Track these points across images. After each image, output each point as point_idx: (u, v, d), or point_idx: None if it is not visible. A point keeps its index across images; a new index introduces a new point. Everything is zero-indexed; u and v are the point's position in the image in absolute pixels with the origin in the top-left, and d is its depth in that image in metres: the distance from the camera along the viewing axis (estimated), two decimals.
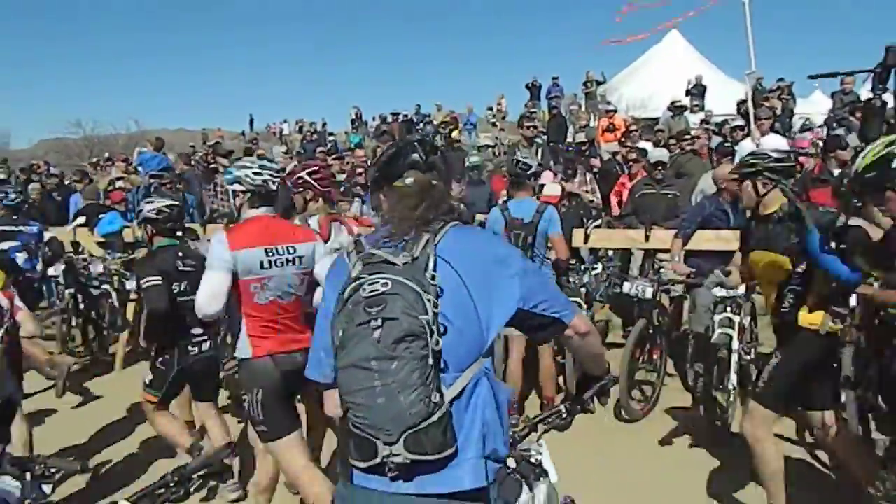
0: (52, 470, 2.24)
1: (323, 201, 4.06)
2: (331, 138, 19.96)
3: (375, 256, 1.62)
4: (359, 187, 7.29)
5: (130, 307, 6.65)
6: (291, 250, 3.25)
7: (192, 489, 1.97)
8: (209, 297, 3.13)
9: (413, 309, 1.49)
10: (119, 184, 8.73)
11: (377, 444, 1.49)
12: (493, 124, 22.03)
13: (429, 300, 1.51)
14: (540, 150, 8.55)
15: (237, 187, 3.38)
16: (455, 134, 15.61)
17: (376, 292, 1.52)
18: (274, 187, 3.38)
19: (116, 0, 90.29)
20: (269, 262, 3.17)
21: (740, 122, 9.10)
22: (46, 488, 2.22)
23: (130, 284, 6.15)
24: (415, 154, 1.81)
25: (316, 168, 4.19)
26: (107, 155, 20.94)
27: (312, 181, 3.99)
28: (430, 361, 1.48)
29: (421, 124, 20.35)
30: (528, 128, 8.68)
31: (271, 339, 3.18)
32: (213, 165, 8.73)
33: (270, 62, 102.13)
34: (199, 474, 1.96)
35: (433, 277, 1.56)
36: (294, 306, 3.28)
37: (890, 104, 4.68)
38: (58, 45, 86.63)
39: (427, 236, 1.65)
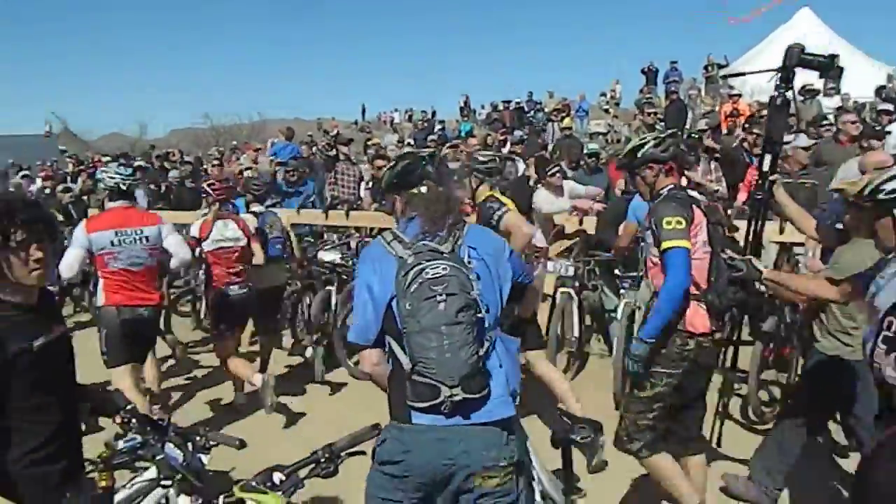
0: (212, 442, 2.42)
1: (219, 205, 5.44)
2: (440, 127, 20.12)
3: (425, 247, 2.11)
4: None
5: None
6: (139, 232, 4.46)
7: (340, 465, 2.06)
8: (65, 266, 4.35)
9: (465, 287, 2.01)
10: (247, 173, 9.20)
11: (441, 388, 1.97)
12: (606, 111, 21.48)
13: (472, 280, 2.04)
14: None
15: (100, 185, 4.68)
16: (567, 121, 15.32)
17: (438, 275, 2.01)
18: (125, 187, 4.54)
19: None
20: (119, 240, 4.38)
21: (887, 105, 8.32)
22: (204, 458, 2.39)
23: None
24: (428, 167, 2.38)
25: (213, 182, 5.78)
26: (234, 143, 22.21)
27: (210, 190, 5.51)
28: (477, 326, 2.01)
29: (532, 112, 20.13)
30: (649, 114, 8.37)
31: (120, 294, 4.43)
32: (333, 154, 8.99)
33: (382, 53, 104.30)
34: (347, 452, 2.05)
35: (469, 263, 2.10)
36: (143, 272, 4.49)
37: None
38: (188, 40, 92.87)
39: (458, 233, 2.18)
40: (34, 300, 2.18)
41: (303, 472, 2.02)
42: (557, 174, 6.63)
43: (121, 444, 2.12)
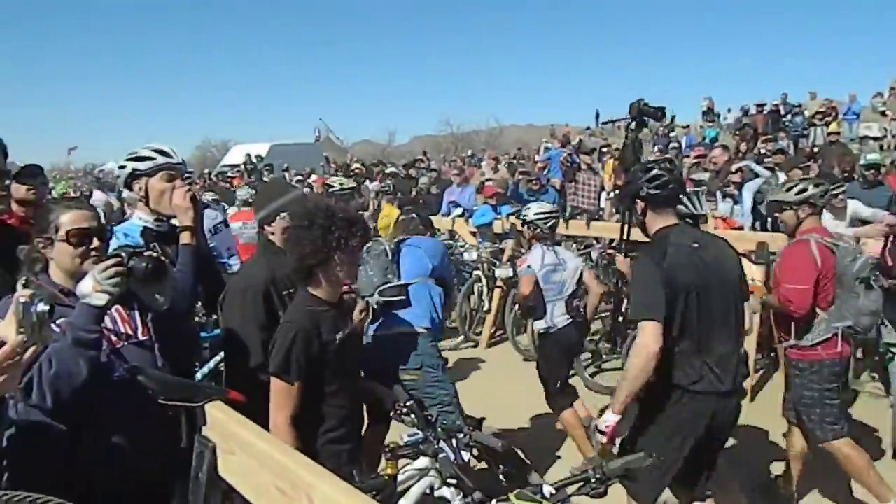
0: (475, 442, 2.55)
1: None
2: (682, 133, 19.08)
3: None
4: (732, 186, 6.82)
5: (496, 293, 7.30)
6: None
7: (608, 487, 2.05)
8: None
9: None
10: (489, 183, 9.54)
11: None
12: (883, 113, 18.72)
13: None
14: None
15: None
16: (833, 126, 13.63)
17: None
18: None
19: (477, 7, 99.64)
20: None
21: None
22: (466, 455, 2.52)
23: (499, 272, 6.74)
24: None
25: None
26: (470, 151, 23.31)
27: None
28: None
29: (789, 115, 18.23)
30: None
31: None
32: (576, 164, 8.98)
33: (616, 56, 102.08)
34: (618, 476, 2.03)
35: None
36: None
37: None
38: (431, 47, 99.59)
39: None
40: (336, 299, 2.51)
41: (571, 489, 2.03)
42: (841, 195, 5.75)
43: (406, 438, 2.33)
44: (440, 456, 2.29)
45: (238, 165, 17.81)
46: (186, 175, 2.87)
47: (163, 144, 2.67)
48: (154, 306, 2.15)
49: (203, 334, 3.96)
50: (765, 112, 18.46)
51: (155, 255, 2.08)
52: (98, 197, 14.74)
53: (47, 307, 1.53)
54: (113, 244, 2.50)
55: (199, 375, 2.90)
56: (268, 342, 2.50)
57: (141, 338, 2.18)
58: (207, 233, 4.96)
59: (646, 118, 4.48)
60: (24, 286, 1.98)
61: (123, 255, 2.01)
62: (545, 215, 4.70)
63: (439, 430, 2.51)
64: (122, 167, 2.67)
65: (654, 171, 2.90)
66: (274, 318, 2.68)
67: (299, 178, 13.91)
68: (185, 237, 2.54)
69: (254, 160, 17.85)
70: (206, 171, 21.38)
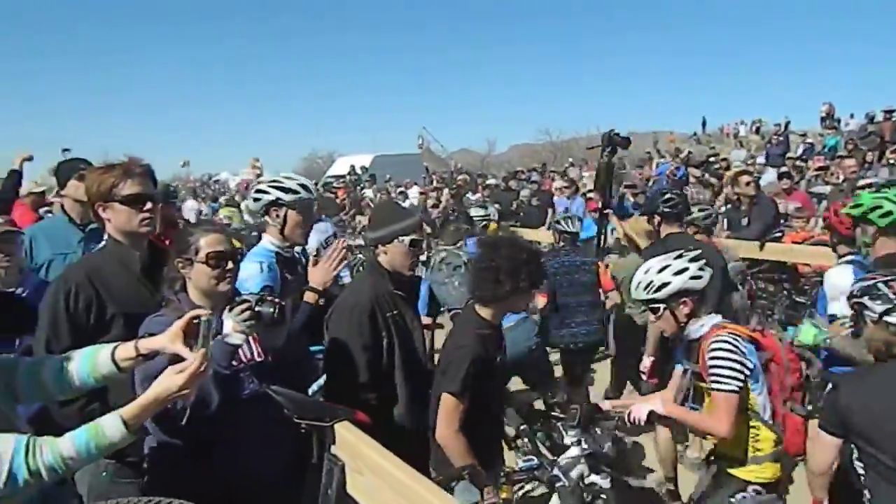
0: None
1: None
2: (798, 140, 17.91)
3: None
4: None
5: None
6: None
7: None
8: None
9: None
10: (591, 195, 9.41)
11: None
12: None
13: None
14: None
15: None
16: None
17: None
18: None
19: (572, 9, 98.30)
20: None
21: None
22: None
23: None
24: None
25: None
26: (570, 160, 22.93)
27: None
28: None
29: None
30: None
31: None
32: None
33: (723, 59, 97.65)
34: None
35: None
36: None
37: None
38: (529, 54, 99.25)
39: None
40: (498, 321, 2.80)
41: None
42: None
43: (521, 464, 2.37)
44: (557, 485, 2.31)
45: (343, 177, 18.44)
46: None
47: (302, 178, 2.96)
48: (273, 344, 2.31)
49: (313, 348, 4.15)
50: (894, 118, 17.09)
51: (278, 301, 2.23)
52: (190, 205, 15.77)
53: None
54: (249, 265, 2.71)
55: (313, 388, 3.03)
56: (372, 362, 2.69)
57: (257, 359, 2.34)
58: (319, 246, 5.19)
59: (617, 146, 5.78)
60: (165, 305, 2.19)
61: (251, 299, 2.19)
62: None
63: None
64: (264, 192, 2.90)
65: (668, 195, 4.53)
66: (377, 338, 2.79)
67: (401, 190, 14.23)
68: (309, 297, 2.83)
69: (358, 171, 18.44)
70: (312, 182, 22.28)
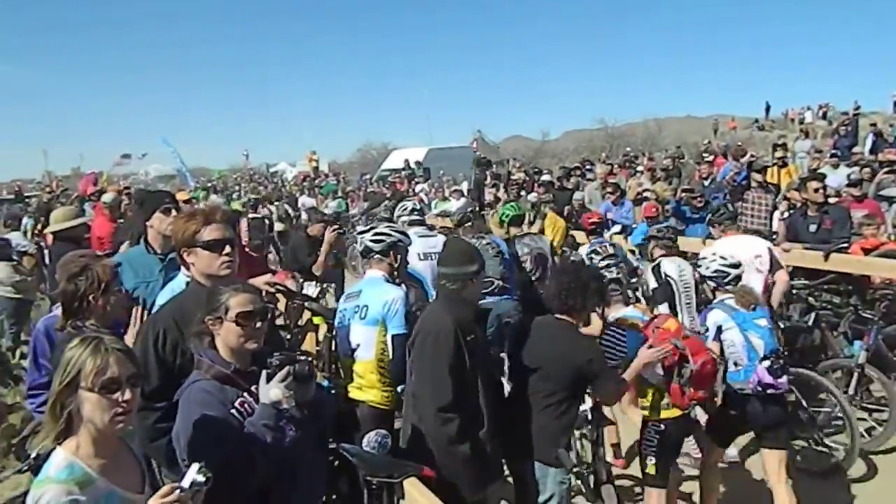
0: None
1: None
2: (868, 129, 17.02)
3: None
4: None
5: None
6: None
7: None
8: None
9: None
10: (648, 198, 9.17)
11: None
12: None
13: None
14: None
15: None
16: None
17: None
18: None
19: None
20: None
21: None
22: None
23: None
24: None
25: None
26: (627, 149, 22.50)
27: None
28: None
29: None
30: None
31: None
32: (743, 182, 8.45)
33: (790, 39, 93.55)
34: None
35: None
36: None
37: None
38: (584, 45, 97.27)
39: None
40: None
41: None
42: None
43: None
44: None
45: (398, 170, 18.66)
46: None
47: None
48: (304, 398, 2.37)
49: None
50: None
51: (306, 359, 2.36)
52: (304, 201, 16.24)
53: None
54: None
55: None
56: (457, 384, 2.87)
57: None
58: (425, 257, 5.30)
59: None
60: (197, 366, 2.32)
61: (284, 364, 2.27)
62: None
63: None
64: (388, 235, 3.69)
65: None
66: (461, 361, 2.96)
67: (455, 188, 14.26)
68: None
69: (412, 165, 18.61)
70: (366, 175, 22.57)
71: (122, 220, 7.54)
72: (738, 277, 4.22)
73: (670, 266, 5.14)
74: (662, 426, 3.76)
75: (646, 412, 3.84)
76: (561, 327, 3.40)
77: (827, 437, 4.88)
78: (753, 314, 3.99)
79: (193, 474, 1.80)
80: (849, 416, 4.61)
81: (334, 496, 2.81)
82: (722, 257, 4.23)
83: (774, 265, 5.38)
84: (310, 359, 2.39)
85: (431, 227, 6.36)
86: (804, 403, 4.79)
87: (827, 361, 5.45)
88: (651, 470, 3.75)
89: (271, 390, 2.20)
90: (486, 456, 3.04)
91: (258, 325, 2.32)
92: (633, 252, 8.01)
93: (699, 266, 4.43)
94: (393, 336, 3.43)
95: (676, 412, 3.75)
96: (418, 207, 5.93)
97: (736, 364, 3.97)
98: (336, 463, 2.57)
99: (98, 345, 1.85)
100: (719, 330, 4.03)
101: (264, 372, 2.24)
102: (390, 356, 3.43)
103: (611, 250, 5.00)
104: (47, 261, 7.92)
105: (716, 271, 4.19)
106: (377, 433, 2.73)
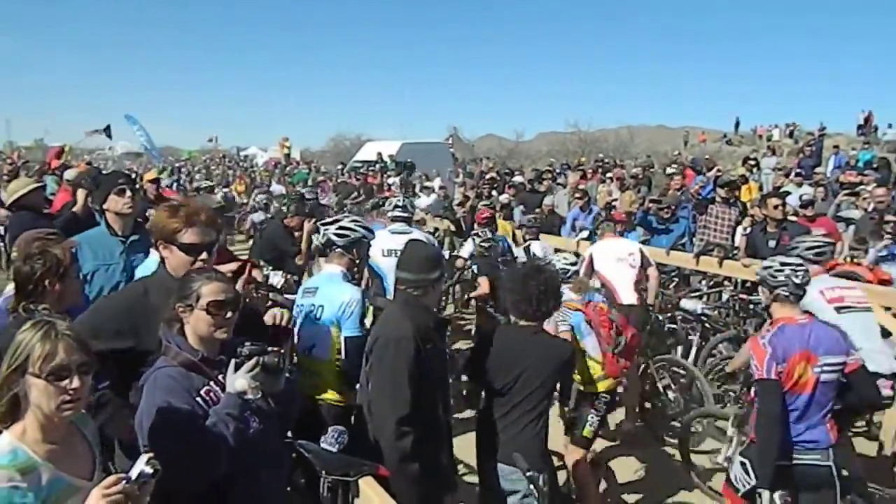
0: None
1: None
2: (831, 152, 17.56)
3: None
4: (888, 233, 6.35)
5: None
6: None
7: None
8: None
9: None
10: (616, 206, 9.32)
11: None
12: None
13: None
14: None
15: None
16: None
17: None
18: None
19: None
20: None
21: None
22: None
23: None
24: None
25: None
26: (600, 156, 22.75)
27: None
28: None
29: None
30: None
31: None
32: (708, 197, 8.59)
33: (761, 55, 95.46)
34: None
35: None
36: None
37: None
38: (562, 49, 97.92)
39: None
40: None
41: None
42: None
43: None
44: None
45: (370, 163, 18.55)
46: None
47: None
48: (273, 390, 2.34)
49: None
50: None
51: (278, 350, 2.33)
52: (275, 189, 16.00)
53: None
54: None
55: None
56: (415, 393, 2.81)
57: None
58: (389, 254, 5.32)
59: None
60: (163, 352, 2.28)
61: (257, 353, 2.25)
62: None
63: None
64: (353, 230, 3.65)
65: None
66: (419, 369, 2.89)
67: (426, 184, 14.26)
68: None
69: (385, 159, 18.53)
70: (339, 165, 22.41)
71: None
72: (577, 273, 5.30)
73: (537, 247, 7.43)
74: (609, 396, 4.27)
75: (581, 387, 4.29)
76: (535, 334, 3.35)
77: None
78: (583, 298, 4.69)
79: (142, 465, 1.77)
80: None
81: (289, 489, 2.79)
82: (565, 258, 5.18)
83: (645, 262, 6.34)
84: (281, 350, 2.35)
85: (413, 225, 6.40)
86: None
87: None
88: (587, 433, 4.18)
89: (238, 380, 2.18)
90: (440, 469, 3.01)
91: (229, 314, 2.29)
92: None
93: (545, 249, 6.63)
94: (346, 338, 3.38)
95: (610, 382, 4.26)
96: (403, 204, 5.92)
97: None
98: (293, 456, 2.55)
99: (49, 330, 1.81)
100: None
101: (233, 361, 2.22)
102: (344, 358, 3.39)
103: (489, 235, 6.77)
104: (3, 231, 7.68)
105: (560, 269, 4.83)
106: (334, 430, 2.71)
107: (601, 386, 4.23)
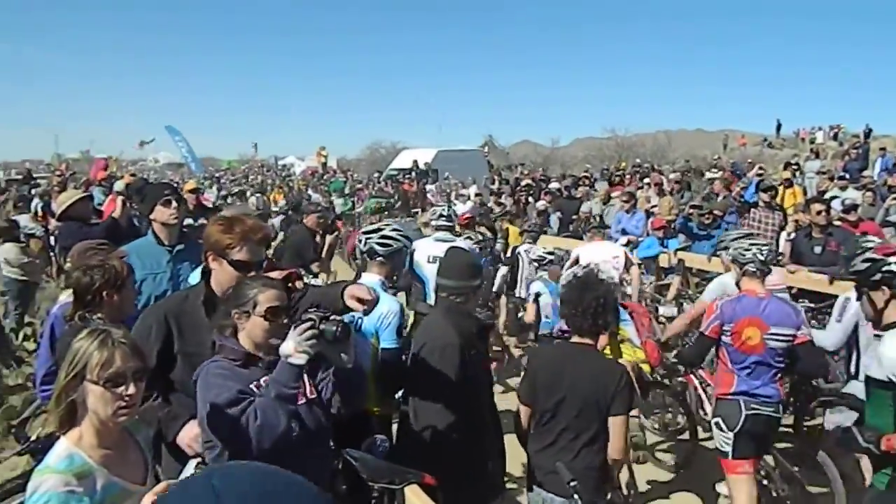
0: None
1: None
2: (877, 153, 16.91)
3: None
4: None
5: (657, 329, 7.11)
6: None
7: None
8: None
9: None
10: (656, 212, 9.18)
11: None
12: None
13: None
14: None
15: None
16: None
17: None
18: None
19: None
20: None
21: None
22: None
23: (663, 310, 6.57)
24: None
25: None
26: (637, 161, 22.44)
27: None
28: None
29: None
30: None
31: None
32: (750, 201, 8.40)
33: (803, 57, 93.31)
34: None
35: None
36: None
37: None
38: (597, 54, 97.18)
39: None
40: None
41: None
42: None
43: None
44: None
45: (407, 171, 18.68)
46: None
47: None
48: (339, 365, 2.34)
49: None
50: None
51: (341, 319, 2.28)
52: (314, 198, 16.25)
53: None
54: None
55: None
56: (461, 399, 2.84)
57: (310, 396, 2.39)
58: (433, 261, 5.39)
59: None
60: (217, 351, 2.30)
61: (315, 318, 2.22)
62: None
63: None
64: (395, 240, 3.60)
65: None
66: (465, 375, 2.92)
67: (462, 192, 14.30)
68: None
69: (421, 167, 18.64)
70: (375, 173, 22.59)
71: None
72: (552, 262, 6.09)
73: (523, 249, 7.54)
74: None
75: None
76: (592, 355, 3.06)
77: None
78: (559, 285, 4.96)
79: (191, 470, 1.80)
80: None
81: (331, 495, 2.81)
82: (544, 247, 5.98)
83: (628, 264, 6.71)
84: (345, 321, 2.28)
85: (458, 234, 6.45)
86: None
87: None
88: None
89: (288, 341, 2.16)
90: (487, 475, 3.01)
91: (284, 320, 2.30)
92: (638, 265, 8.04)
93: (528, 252, 6.85)
94: (382, 349, 3.34)
95: (648, 370, 4.33)
96: (447, 213, 6.00)
97: (546, 317, 5.67)
98: (338, 464, 2.56)
99: (105, 338, 1.87)
100: (538, 295, 5.80)
101: (293, 326, 2.21)
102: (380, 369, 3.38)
103: (480, 237, 6.97)
104: (53, 243, 7.95)
105: (539, 256, 5.77)
106: (376, 438, 2.73)
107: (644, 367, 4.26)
